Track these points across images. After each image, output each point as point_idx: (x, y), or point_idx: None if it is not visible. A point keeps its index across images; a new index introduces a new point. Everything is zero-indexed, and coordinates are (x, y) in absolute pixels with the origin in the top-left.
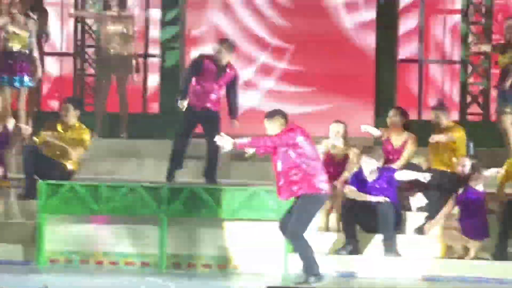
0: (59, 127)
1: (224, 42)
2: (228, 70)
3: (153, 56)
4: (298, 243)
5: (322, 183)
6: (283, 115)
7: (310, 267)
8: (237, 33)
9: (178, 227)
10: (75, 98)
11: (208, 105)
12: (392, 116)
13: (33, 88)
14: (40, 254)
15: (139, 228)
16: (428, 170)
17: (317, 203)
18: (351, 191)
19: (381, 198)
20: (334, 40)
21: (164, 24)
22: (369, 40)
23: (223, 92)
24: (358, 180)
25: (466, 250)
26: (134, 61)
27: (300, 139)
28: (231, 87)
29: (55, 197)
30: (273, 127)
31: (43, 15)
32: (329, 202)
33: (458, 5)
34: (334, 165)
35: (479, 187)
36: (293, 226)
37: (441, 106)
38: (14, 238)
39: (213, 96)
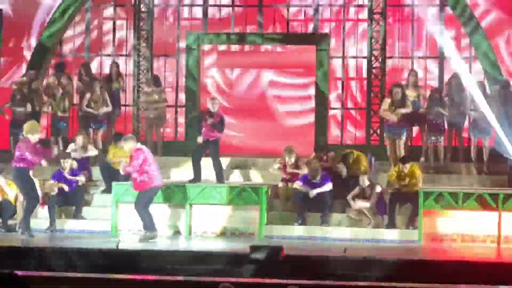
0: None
1: (212, 98)
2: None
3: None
4: (142, 213)
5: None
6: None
7: (150, 227)
8: None
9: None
10: (120, 133)
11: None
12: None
13: (106, 129)
14: (114, 225)
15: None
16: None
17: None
18: (298, 185)
19: (326, 187)
20: None
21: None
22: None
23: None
24: (306, 181)
25: (369, 221)
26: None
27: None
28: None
29: (125, 192)
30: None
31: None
32: (285, 193)
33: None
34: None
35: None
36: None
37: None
38: (95, 216)
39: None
